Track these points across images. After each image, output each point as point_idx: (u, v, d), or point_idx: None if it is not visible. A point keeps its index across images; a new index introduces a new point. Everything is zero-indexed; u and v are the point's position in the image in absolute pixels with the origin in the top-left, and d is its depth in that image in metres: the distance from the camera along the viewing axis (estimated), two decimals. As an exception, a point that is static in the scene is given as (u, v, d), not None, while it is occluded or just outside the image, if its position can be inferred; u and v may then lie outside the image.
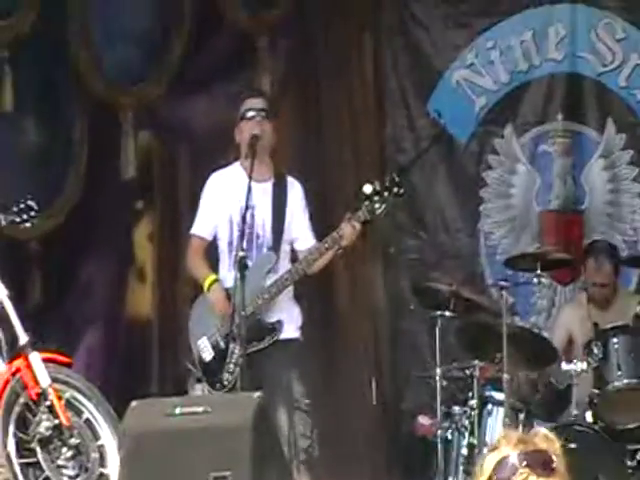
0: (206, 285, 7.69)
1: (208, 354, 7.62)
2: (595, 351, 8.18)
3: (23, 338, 6.62)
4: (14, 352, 6.67)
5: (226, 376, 7.52)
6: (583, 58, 9.41)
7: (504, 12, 9.45)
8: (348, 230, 7.49)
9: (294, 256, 7.72)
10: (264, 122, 7.73)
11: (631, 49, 9.35)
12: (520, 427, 8.04)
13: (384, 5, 9.51)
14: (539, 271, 8.46)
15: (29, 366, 6.59)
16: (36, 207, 6.96)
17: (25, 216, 6.96)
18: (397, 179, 7.68)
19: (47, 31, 8.93)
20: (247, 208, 7.57)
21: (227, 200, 7.75)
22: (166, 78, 9.31)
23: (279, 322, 7.64)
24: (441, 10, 9.52)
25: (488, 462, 3.18)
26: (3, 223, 6.97)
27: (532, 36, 9.45)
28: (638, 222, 9.31)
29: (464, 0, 9.53)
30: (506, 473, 3.14)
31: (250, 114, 7.73)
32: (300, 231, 7.73)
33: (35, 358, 6.60)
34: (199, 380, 7.64)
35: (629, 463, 8.02)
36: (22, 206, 6.96)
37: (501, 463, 3.15)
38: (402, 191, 7.67)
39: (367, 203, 7.55)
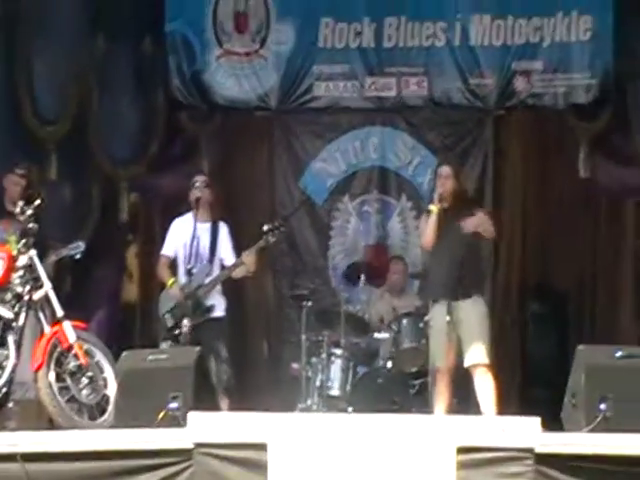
0: (168, 283, 7.65)
1: (170, 323, 7.57)
2: (393, 327, 8.24)
3: (59, 313, 6.41)
4: (53, 321, 6.50)
5: (181, 338, 7.46)
6: (389, 158, 9.31)
7: (343, 130, 9.34)
8: (248, 254, 7.55)
9: (223, 268, 7.69)
10: (204, 189, 7.74)
11: (416, 154, 9.26)
12: (350, 373, 8.05)
13: (274, 127, 9.36)
14: (362, 279, 8.51)
15: (63, 329, 6.39)
16: (84, 246, 6.75)
17: (74, 252, 6.79)
18: (281, 222, 7.75)
19: (77, 132, 8.90)
20: (194, 238, 7.58)
21: (182, 234, 7.70)
22: (147, 162, 9.26)
23: (212, 306, 7.58)
24: (308, 127, 9.39)
25: None
26: (63, 254, 6.80)
27: (360, 144, 9.34)
28: (418, 253, 9.05)
29: (320, 122, 9.35)
30: None
31: (196, 185, 7.74)
32: (226, 253, 7.68)
33: (67, 325, 6.41)
34: (165, 339, 7.58)
35: (411, 391, 8.09)
36: (73, 245, 6.80)
37: None
38: (284, 229, 7.73)
39: (264, 236, 7.60)
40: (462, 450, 5.01)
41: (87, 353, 6.47)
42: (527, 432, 5.06)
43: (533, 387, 7.81)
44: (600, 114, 8.83)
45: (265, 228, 7.60)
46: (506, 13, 8.96)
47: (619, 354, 5.78)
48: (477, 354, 6.99)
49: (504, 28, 8.98)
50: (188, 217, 7.73)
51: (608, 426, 5.51)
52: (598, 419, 5.56)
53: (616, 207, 8.85)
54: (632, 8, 8.64)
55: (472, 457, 5.02)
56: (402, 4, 9.11)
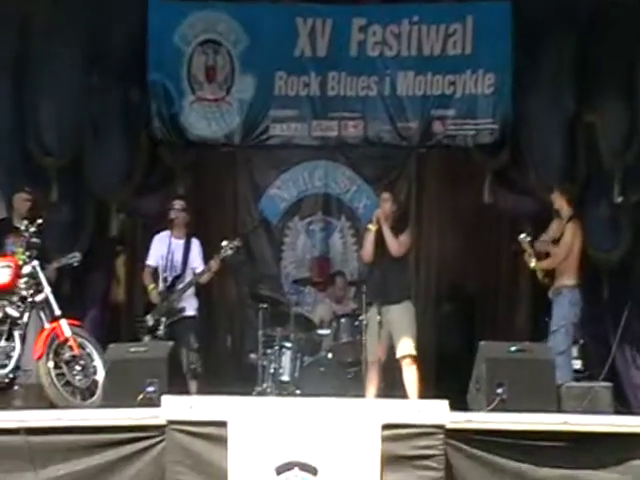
0: (149, 290, 7.64)
1: (150, 323, 7.53)
2: (333, 324, 8.18)
3: (57, 312, 6.45)
4: (52, 319, 6.49)
5: (159, 333, 7.44)
6: (331, 186, 9.28)
7: (294, 163, 9.26)
8: (213, 263, 7.53)
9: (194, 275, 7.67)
10: (180, 212, 7.75)
11: (353, 183, 9.25)
12: (298, 362, 7.98)
13: (238, 160, 9.26)
14: (308, 286, 8.59)
15: (60, 326, 6.41)
16: (80, 256, 6.73)
17: (72, 261, 6.82)
18: (238, 238, 7.75)
19: (74, 163, 8.83)
20: (169, 252, 7.58)
21: (161, 248, 7.68)
22: (132, 188, 9.10)
23: (183, 307, 7.56)
24: (265, 161, 9.24)
25: None
26: (63, 262, 6.77)
27: (307, 174, 9.29)
28: (355, 265, 9.14)
29: (275, 156, 9.23)
30: None
31: (174, 207, 7.76)
32: (196, 263, 7.69)
33: (63, 322, 6.44)
34: (145, 334, 7.52)
35: (347, 377, 8.00)
36: (71, 255, 6.80)
37: None
38: (238, 244, 7.68)
39: (222, 249, 7.58)
40: (386, 426, 5.08)
41: (80, 345, 6.49)
42: (439, 412, 5.12)
43: (445, 375, 7.88)
44: (500, 153, 8.99)
45: (223, 243, 7.61)
46: (426, 70, 9.09)
47: (513, 348, 5.91)
48: (407, 347, 7.05)
49: (424, 82, 9.08)
50: (166, 234, 7.73)
51: (504, 406, 5.64)
52: (496, 401, 5.69)
53: (513, 227, 8.95)
54: (526, 70, 8.83)
55: (394, 432, 5.09)
56: (342, 62, 9.16)
